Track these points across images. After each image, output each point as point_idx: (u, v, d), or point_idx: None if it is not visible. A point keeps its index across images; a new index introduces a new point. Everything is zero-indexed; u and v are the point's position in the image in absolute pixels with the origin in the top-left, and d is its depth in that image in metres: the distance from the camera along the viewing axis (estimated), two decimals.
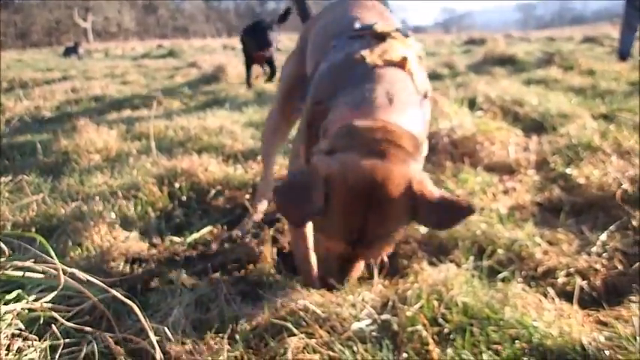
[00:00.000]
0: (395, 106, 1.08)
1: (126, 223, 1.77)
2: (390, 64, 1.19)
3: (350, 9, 1.56)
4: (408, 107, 1.11)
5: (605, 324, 1.10)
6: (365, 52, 1.20)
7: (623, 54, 6.30)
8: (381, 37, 1.27)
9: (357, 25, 1.34)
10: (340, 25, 1.44)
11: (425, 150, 1.18)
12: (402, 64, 1.20)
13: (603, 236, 1.52)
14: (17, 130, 3.73)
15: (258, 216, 1.81)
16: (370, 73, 1.16)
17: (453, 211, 0.99)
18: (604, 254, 1.44)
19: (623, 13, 6.37)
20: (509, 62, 6.40)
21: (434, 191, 1.00)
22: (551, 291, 1.21)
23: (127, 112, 4.30)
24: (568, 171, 2.07)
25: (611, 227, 1.57)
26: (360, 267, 1.11)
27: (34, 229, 1.69)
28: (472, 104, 3.22)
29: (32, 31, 35.36)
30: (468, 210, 0.99)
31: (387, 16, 1.53)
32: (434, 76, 5.36)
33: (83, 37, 32.02)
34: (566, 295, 1.25)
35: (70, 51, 15.75)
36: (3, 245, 0.93)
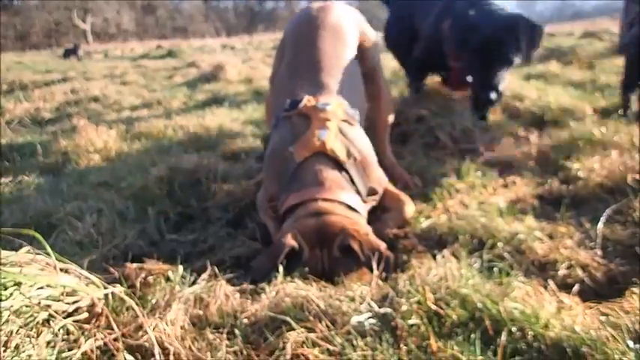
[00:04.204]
0: (325, 186, 1.45)
1: (125, 222, 1.77)
2: (313, 152, 1.52)
3: (304, 49, 1.87)
4: (336, 183, 1.47)
5: (606, 316, 1.10)
6: (292, 148, 1.55)
7: (624, 48, 6.28)
8: (307, 116, 1.61)
9: (287, 105, 1.68)
10: (290, 82, 1.79)
11: (378, 194, 1.64)
12: (322, 148, 1.52)
13: (600, 224, 1.52)
14: (17, 131, 3.73)
15: None
16: (301, 168, 1.51)
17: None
18: (607, 247, 1.43)
19: (623, 6, 6.35)
20: None
21: (367, 233, 1.36)
22: (551, 283, 1.20)
23: (126, 113, 4.30)
24: (568, 164, 2.07)
25: (608, 216, 1.57)
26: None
27: (33, 228, 1.69)
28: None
29: (32, 33, 35.38)
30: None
31: (338, 50, 1.86)
32: None
33: (83, 39, 32.02)
34: (566, 288, 1.24)
35: (70, 52, 15.77)
36: None
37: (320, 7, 2.02)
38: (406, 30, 3.02)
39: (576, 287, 1.24)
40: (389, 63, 4.73)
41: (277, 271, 1.24)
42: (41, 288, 0.90)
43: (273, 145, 1.67)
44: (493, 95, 2.13)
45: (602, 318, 1.06)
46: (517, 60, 2.18)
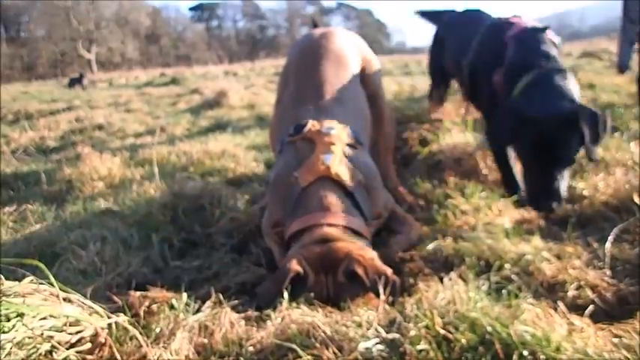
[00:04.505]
0: (330, 211, 1.45)
1: (129, 249, 1.76)
2: (318, 176, 1.52)
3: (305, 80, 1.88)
4: (341, 208, 1.47)
5: (619, 337, 1.07)
6: (297, 173, 1.55)
7: (623, 67, 6.32)
8: (311, 140, 1.62)
9: (291, 129, 1.68)
10: (293, 111, 1.78)
11: (383, 216, 1.65)
12: (326, 173, 1.52)
13: (608, 244, 1.50)
14: (22, 160, 3.75)
15: None
16: (305, 192, 1.51)
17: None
18: (616, 267, 1.41)
19: (621, 26, 6.41)
20: None
21: (373, 258, 1.34)
22: (561, 305, 1.18)
23: (130, 140, 4.34)
24: (573, 183, 2.06)
25: (615, 235, 1.55)
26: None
27: (37, 258, 1.68)
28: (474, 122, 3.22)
29: (38, 64, 36.02)
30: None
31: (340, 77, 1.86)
32: None
33: (88, 68, 32.54)
34: (577, 309, 1.22)
35: (75, 82, 16.01)
36: None
37: (322, 33, 2.04)
38: (440, 60, 2.97)
39: (588, 309, 1.22)
40: (389, 86, 4.77)
41: (282, 296, 1.22)
42: (44, 318, 0.89)
43: (278, 170, 1.68)
44: (555, 205, 1.73)
45: (615, 340, 1.04)
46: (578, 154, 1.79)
